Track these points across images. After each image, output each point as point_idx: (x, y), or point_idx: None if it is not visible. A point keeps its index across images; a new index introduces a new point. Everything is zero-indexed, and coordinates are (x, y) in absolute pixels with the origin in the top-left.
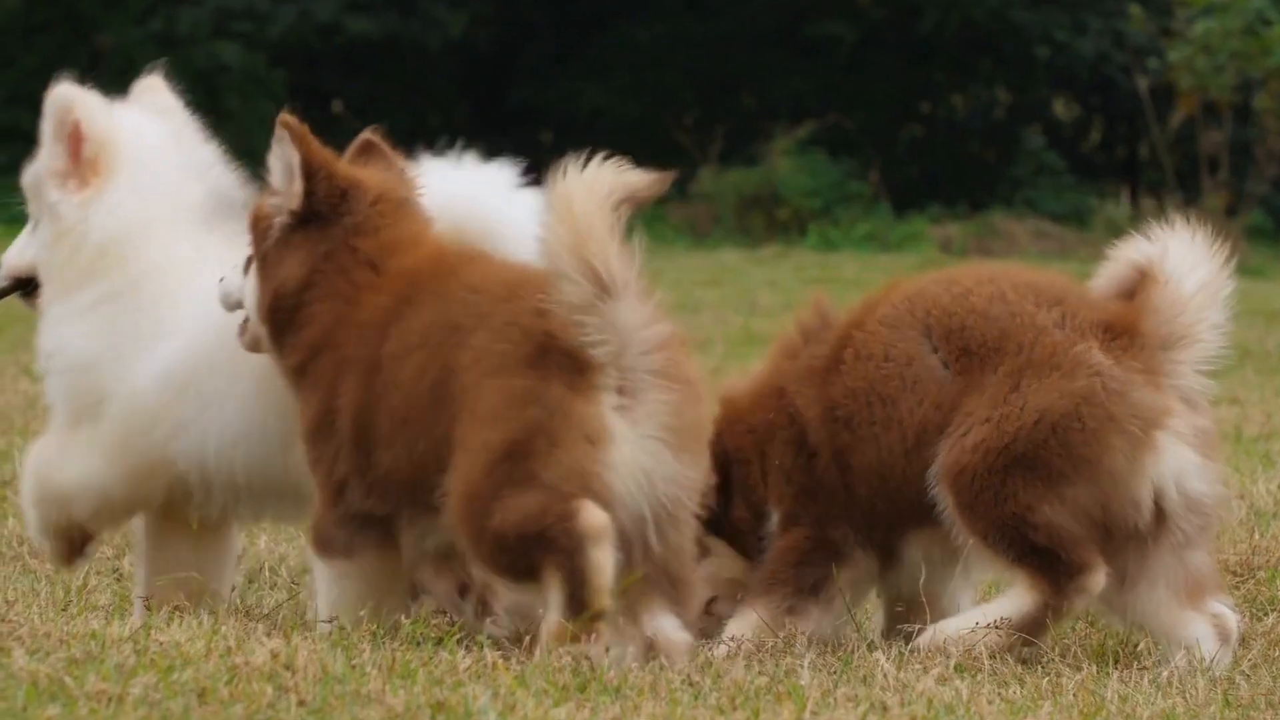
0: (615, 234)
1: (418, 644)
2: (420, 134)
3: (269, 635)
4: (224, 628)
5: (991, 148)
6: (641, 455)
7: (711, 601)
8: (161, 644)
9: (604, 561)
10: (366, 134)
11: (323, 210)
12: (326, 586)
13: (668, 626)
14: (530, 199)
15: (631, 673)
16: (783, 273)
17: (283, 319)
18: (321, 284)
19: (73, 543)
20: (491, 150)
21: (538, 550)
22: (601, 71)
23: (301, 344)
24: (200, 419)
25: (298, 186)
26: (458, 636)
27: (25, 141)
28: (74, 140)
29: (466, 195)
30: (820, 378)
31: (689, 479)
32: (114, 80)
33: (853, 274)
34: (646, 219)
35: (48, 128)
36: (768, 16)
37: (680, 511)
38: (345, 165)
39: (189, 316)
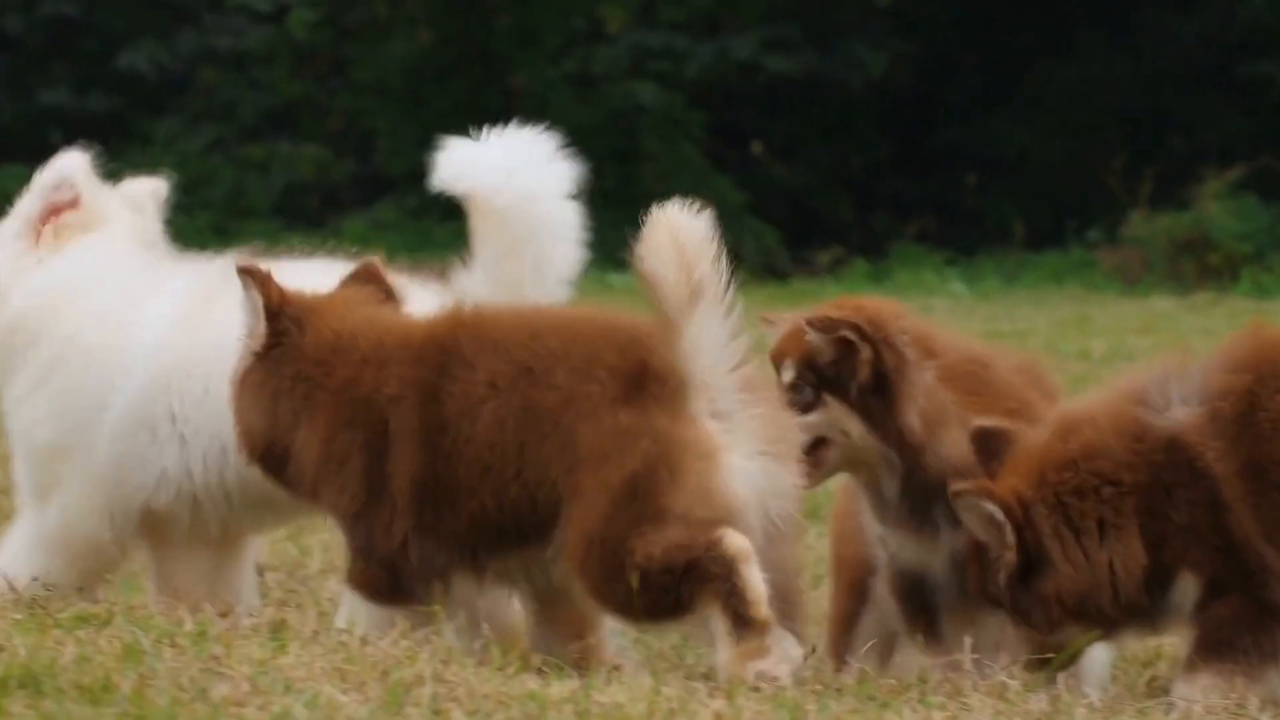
0: (709, 249)
1: (866, 699)
2: (841, 174)
3: (711, 696)
4: (665, 688)
5: None
6: (752, 471)
7: None
8: (602, 705)
9: (757, 577)
10: (366, 261)
11: (283, 342)
12: (366, 618)
13: (786, 643)
14: (562, 170)
15: None
16: (1216, 320)
17: (271, 456)
18: (289, 398)
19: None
20: (914, 192)
21: (689, 583)
22: (1027, 112)
23: (304, 461)
24: (177, 451)
25: (262, 328)
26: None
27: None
28: (64, 207)
29: (499, 167)
30: (1234, 429)
31: (792, 490)
32: (528, 121)
33: None
34: (1074, 264)
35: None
36: (1198, 55)
37: (788, 525)
38: (299, 300)
39: (138, 355)
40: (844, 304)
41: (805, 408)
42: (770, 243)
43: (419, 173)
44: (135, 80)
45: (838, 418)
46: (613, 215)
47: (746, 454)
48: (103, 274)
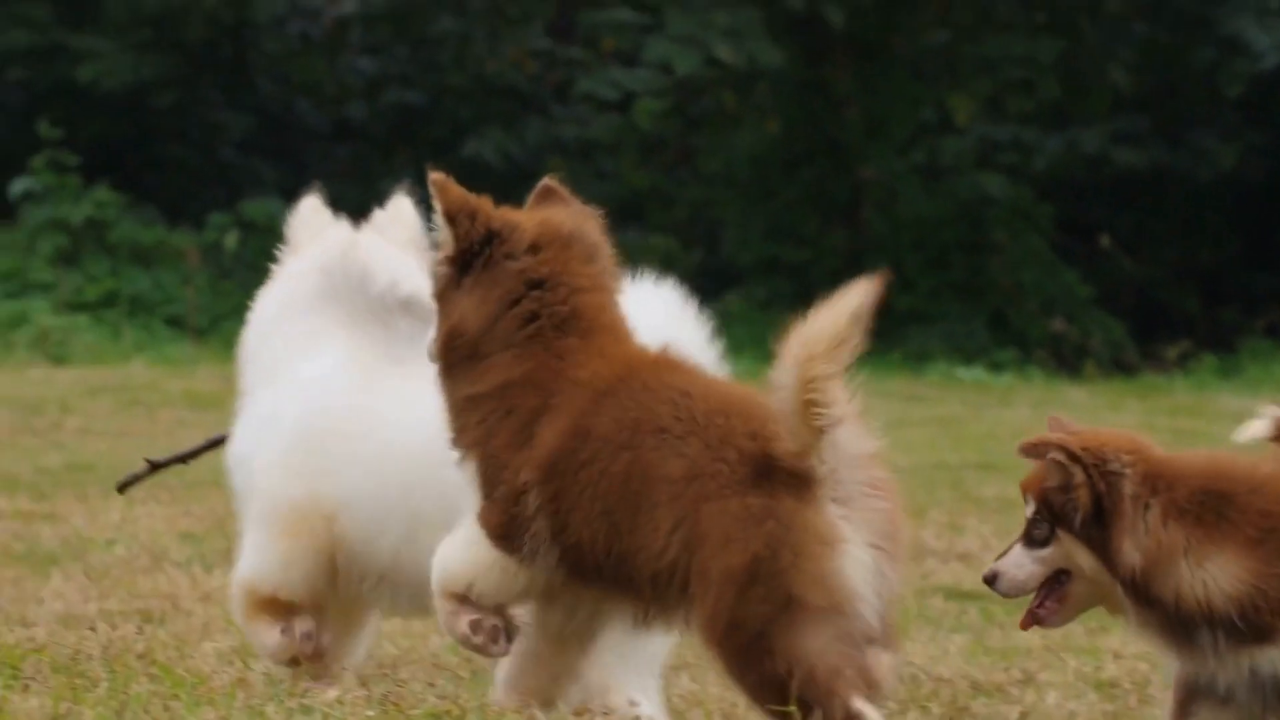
0: (838, 372)
1: None
2: (1190, 267)
3: None
4: None
5: None
6: (868, 559)
7: None
8: None
9: None
10: (546, 180)
11: (476, 251)
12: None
13: None
14: (695, 320)
15: None
16: None
17: (458, 357)
18: (503, 330)
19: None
20: (1265, 286)
21: (808, 693)
22: None
23: (483, 379)
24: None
25: (445, 234)
26: None
27: (786, 274)
28: None
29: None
30: None
31: (897, 590)
32: (877, 212)
33: None
34: None
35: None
36: None
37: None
38: (491, 207)
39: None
40: (1076, 431)
41: (1042, 541)
42: (1117, 336)
43: (767, 264)
44: (481, 169)
45: (1069, 551)
46: (961, 307)
47: (863, 541)
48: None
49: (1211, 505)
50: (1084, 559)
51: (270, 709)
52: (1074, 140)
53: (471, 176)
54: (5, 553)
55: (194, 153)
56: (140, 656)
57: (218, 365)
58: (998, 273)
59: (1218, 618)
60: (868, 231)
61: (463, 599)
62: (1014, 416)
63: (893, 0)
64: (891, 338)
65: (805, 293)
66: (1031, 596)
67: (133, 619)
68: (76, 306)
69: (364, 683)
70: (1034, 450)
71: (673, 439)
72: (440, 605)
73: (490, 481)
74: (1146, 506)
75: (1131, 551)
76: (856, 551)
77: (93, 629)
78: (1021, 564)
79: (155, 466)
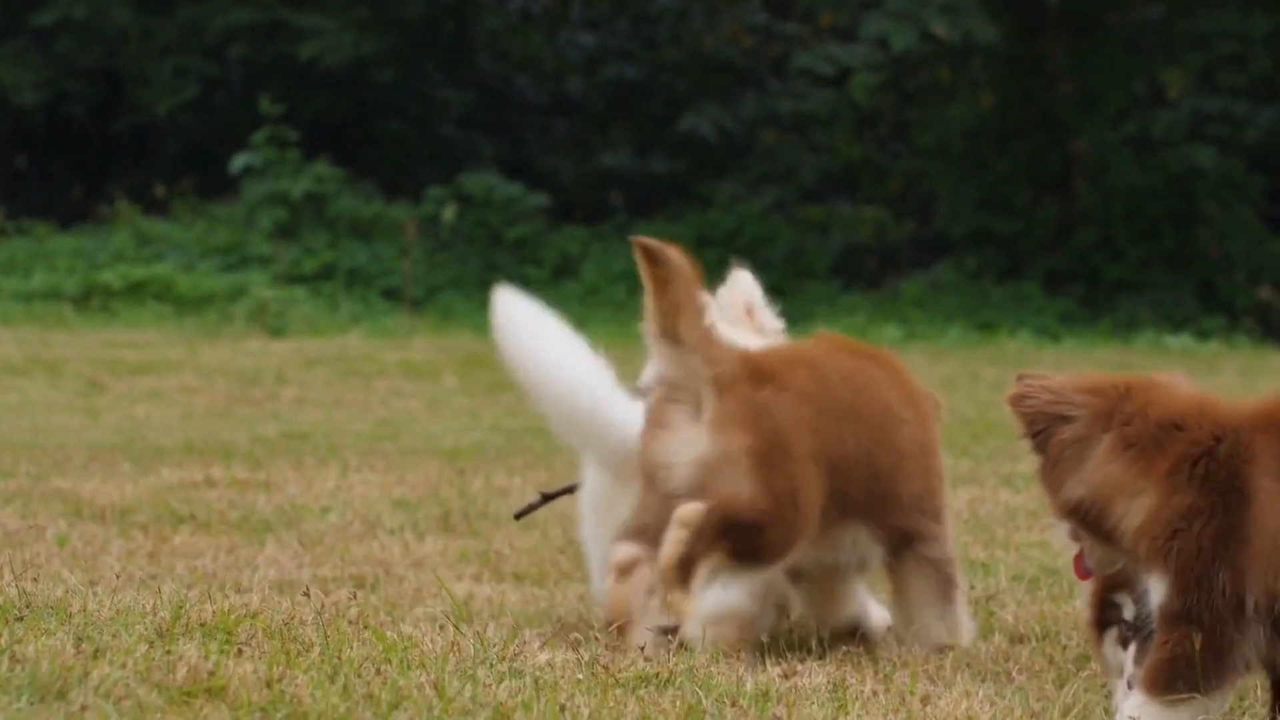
0: None
1: None
2: None
3: None
4: None
5: None
6: None
7: None
8: None
9: None
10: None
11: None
12: None
13: None
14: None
15: None
16: None
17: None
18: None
19: None
20: None
21: None
22: None
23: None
24: None
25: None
26: None
27: (997, 245)
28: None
29: None
30: None
31: None
32: (1089, 184)
33: None
34: None
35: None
36: None
37: None
38: None
39: None
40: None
41: None
42: None
43: (979, 235)
44: (696, 143)
45: None
46: (1169, 277)
47: None
48: None
49: (1157, 439)
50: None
51: (481, 672)
52: None
53: (688, 149)
54: (222, 520)
55: (413, 128)
56: (353, 622)
57: (433, 336)
58: (1206, 243)
59: (1128, 550)
60: (1078, 203)
61: None
62: (1221, 383)
63: None
64: (1101, 306)
65: (1016, 264)
66: None
67: (346, 585)
68: (294, 279)
69: (574, 646)
70: (1008, 402)
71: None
72: None
73: None
74: (1094, 443)
75: (1072, 487)
76: None
77: (306, 594)
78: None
79: (547, 498)
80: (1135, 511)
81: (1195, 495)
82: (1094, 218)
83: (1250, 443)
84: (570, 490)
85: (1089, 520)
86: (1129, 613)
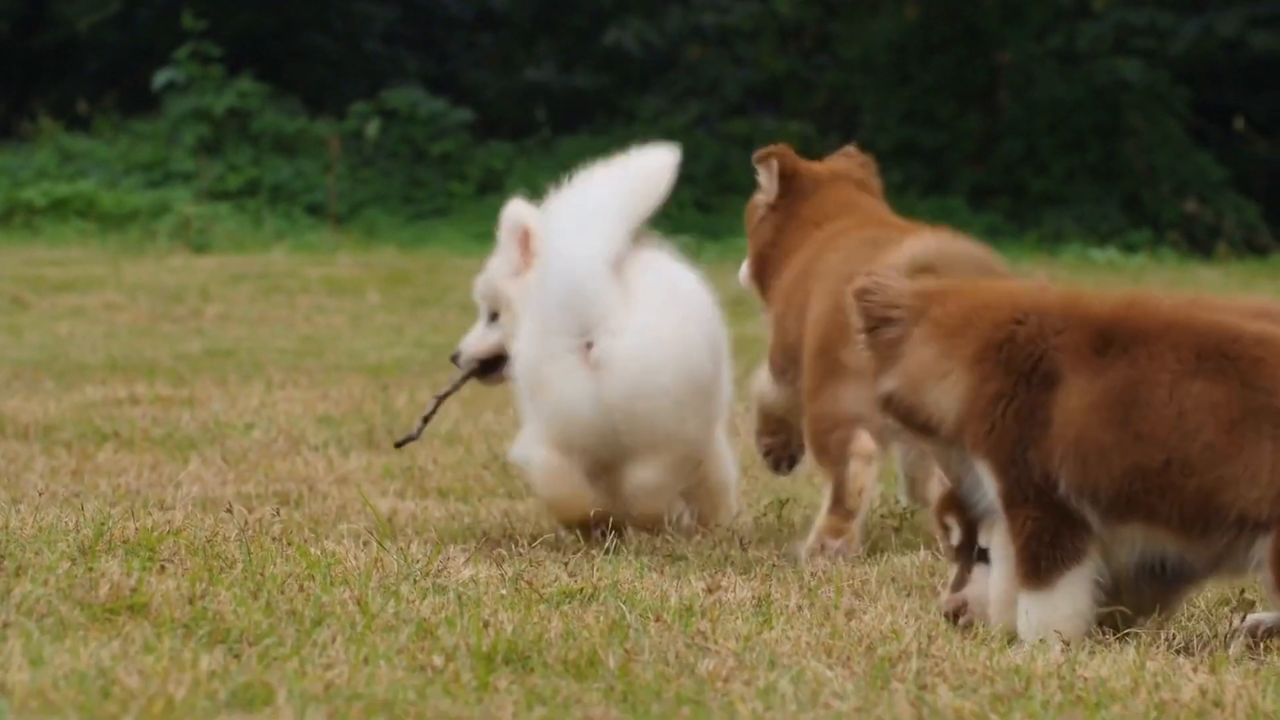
0: None
1: None
2: None
3: (1195, 670)
4: (1149, 663)
5: None
6: None
7: None
8: (1087, 680)
9: None
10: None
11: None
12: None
13: None
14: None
15: None
16: None
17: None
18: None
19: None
20: None
21: None
22: None
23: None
24: None
25: (774, 185)
26: None
27: (922, 159)
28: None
29: None
30: None
31: None
32: (1014, 97)
33: None
34: None
35: (506, 237)
36: None
37: None
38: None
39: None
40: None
41: None
42: (1251, 218)
43: (904, 148)
44: (621, 57)
45: None
46: (1095, 190)
47: None
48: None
49: (961, 324)
50: None
51: (404, 588)
52: (1210, 24)
53: (612, 64)
54: (144, 437)
55: (337, 43)
56: (276, 538)
57: (357, 252)
58: (1132, 156)
59: (947, 436)
60: (1003, 116)
61: None
62: None
63: None
64: (1026, 220)
65: (941, 178)
66: None
67: (269, 502)
68: (218, 195)
69: (498, 562)
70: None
71: None
72: None
73: None
74: (909, 338)
75: (884, 381)
76: None
77: (229, 511)
78: None
79: (426, 420)
80: (945, 394)
81: (1001, 378)
82: (1019, 131)
83: (1060, 327)
84: (455, 390)
85: (903, 412)
86: (955, 537)
